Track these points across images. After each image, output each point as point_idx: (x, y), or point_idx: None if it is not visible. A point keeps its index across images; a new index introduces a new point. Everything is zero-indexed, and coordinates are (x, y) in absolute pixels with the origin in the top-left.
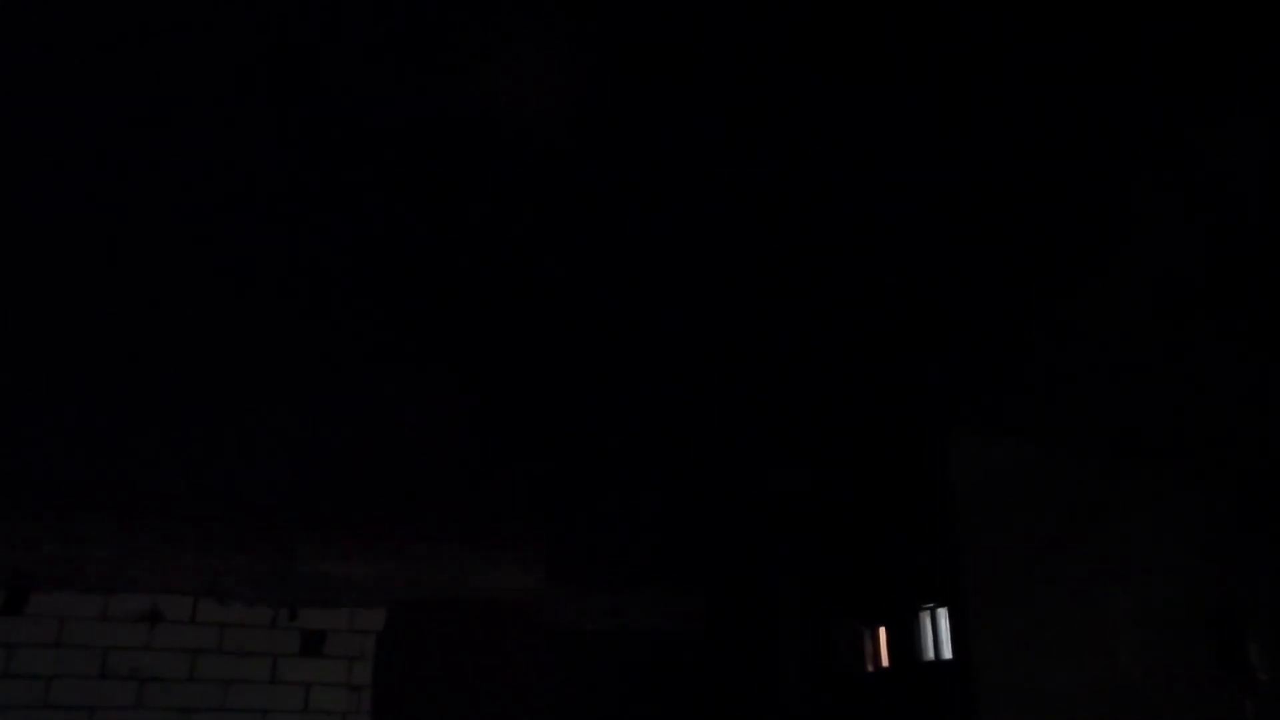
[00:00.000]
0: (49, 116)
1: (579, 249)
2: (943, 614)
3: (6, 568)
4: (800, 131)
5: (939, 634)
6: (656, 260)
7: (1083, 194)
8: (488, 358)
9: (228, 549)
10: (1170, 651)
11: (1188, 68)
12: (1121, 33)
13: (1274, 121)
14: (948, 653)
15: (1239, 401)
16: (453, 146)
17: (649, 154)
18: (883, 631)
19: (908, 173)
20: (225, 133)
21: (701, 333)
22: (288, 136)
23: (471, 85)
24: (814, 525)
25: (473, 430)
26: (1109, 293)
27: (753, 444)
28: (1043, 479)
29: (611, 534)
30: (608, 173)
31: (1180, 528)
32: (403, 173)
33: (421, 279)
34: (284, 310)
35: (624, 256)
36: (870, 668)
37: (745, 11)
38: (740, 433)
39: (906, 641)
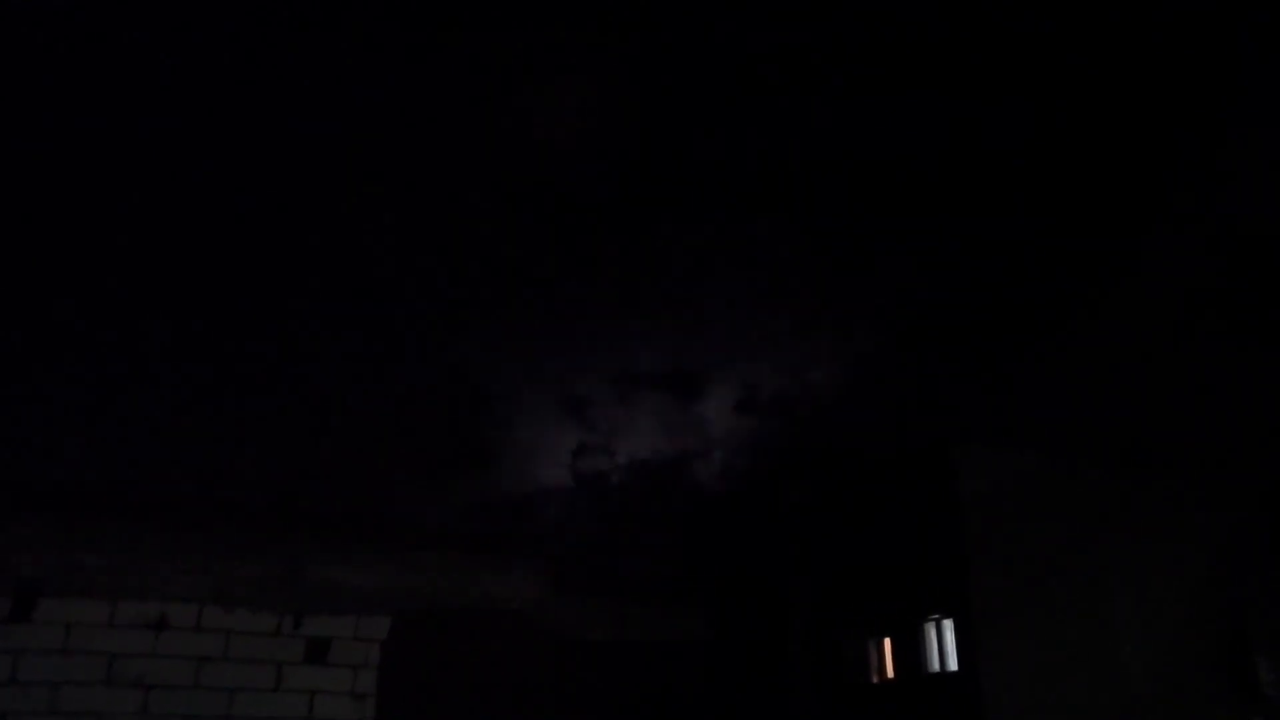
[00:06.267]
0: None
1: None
2: (948, 625)
3: (15, 575)
4: (822, 147)
5: (944, 645)
6: (673, 258)
7: (1091, 209)
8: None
9: (233, 556)
10: (1177, 666)
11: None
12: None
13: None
14: (953, 664)
15: (1247, 414)
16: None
17: (672, 162)
18: (888, 643)
19: (918, 187)
20: (268, 133)
21: (710, 341)
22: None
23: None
24: (821, 537)
25: (482, 439)
26: (1116, 306)
27: (760, 456)
28: (1049, 492)
29: (618, 544)
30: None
31: (1188, 542)
32: (418, 188)
33: (436, 286)
34: (292, 320)
35: (650, 259)
36: (876, 679)
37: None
38: (748, 444)
39: (912, 653)
